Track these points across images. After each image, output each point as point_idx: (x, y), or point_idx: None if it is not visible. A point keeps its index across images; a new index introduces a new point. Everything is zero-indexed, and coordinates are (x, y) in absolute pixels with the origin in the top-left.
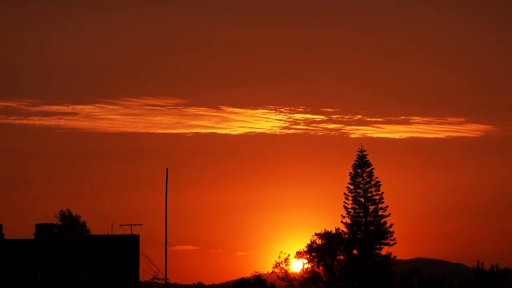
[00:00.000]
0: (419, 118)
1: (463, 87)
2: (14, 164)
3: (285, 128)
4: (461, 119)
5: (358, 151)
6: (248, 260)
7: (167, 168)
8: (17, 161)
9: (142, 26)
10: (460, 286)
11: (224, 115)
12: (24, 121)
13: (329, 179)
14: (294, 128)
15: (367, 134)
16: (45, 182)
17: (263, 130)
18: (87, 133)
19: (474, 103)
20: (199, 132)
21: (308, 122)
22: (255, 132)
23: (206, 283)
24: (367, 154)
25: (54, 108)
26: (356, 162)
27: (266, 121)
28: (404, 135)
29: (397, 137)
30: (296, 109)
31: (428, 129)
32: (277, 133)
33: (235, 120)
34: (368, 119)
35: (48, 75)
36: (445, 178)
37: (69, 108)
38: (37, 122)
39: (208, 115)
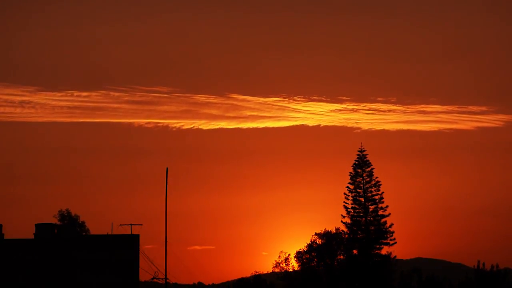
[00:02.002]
0: (438, 106)
1: (485, 75)
2: (13, 163)
3: (297, 118)
4: (483, 108)
5: (358, 151)
6: (248, 260)
7: (167, 168)
8: (16, 160)
9: (149, 15)
10: (460, 286)
11: (235, 102)
12: (26, 110)
13: (332, 177)
14: (305, 118)
15: (382, 124)
16: (45, 182)
17: (273, 121)
18: (89, 125)
19: (496, 91)
20: (202, 128)
21: (322, 112)
22: (263, 126)
23: (206, 283)
24: (367, 154)
25: (58, 95)
26: (356, 162)
27: (278, 109)
28: (420, 127)
29: (411, 128)
30: (311, 97)
31: (448, 119)
32: (286, 126)
33: (246, 108)
34: (385, 106)
35: (46, 60)
36: (446, 177)
37: (73, 96)
38: (39, 111)
39: (218, 103)
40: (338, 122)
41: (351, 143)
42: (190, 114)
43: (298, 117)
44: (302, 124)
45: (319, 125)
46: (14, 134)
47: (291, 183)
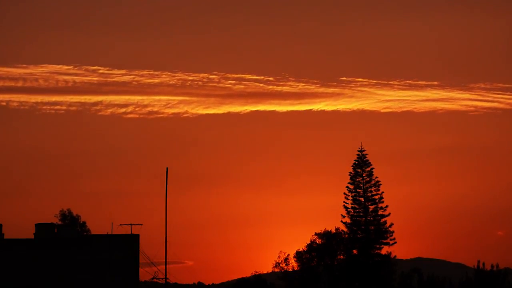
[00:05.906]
0: (480, 83)
1: None
2: (13, 163)
3: (299, 99)
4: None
5: (358, 151)
6: (248, 260)
7: (167, 168)
8: (17, 159)
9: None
10: (460, 286)
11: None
12: (28, 83)
13: (333, 176)
14: (327, 95)
15: (413, 103)
16: (45, 182)
17: (291, 100)
18: (91, 105)
19: None
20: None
21: (347, 85)
22: (273, 109)
23: (206, 283)
24: (367, 154)
25: (64, 68)
26: (356, 162)
27: (300, 89)
28: (450, 105)
29: (442, 105)
30: (337, 76)
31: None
32: (284, 110)
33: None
34: (422, 82)
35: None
36: (447, 177)
37: (81, 70)
38: (42, 84)
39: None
40: (362, 102)
41: (367, 130)
42: (204, 89)
43: (321, 93)
44: (319, 109)
45: (338, 110)
46: (15, 125)
47: (292, 182)
